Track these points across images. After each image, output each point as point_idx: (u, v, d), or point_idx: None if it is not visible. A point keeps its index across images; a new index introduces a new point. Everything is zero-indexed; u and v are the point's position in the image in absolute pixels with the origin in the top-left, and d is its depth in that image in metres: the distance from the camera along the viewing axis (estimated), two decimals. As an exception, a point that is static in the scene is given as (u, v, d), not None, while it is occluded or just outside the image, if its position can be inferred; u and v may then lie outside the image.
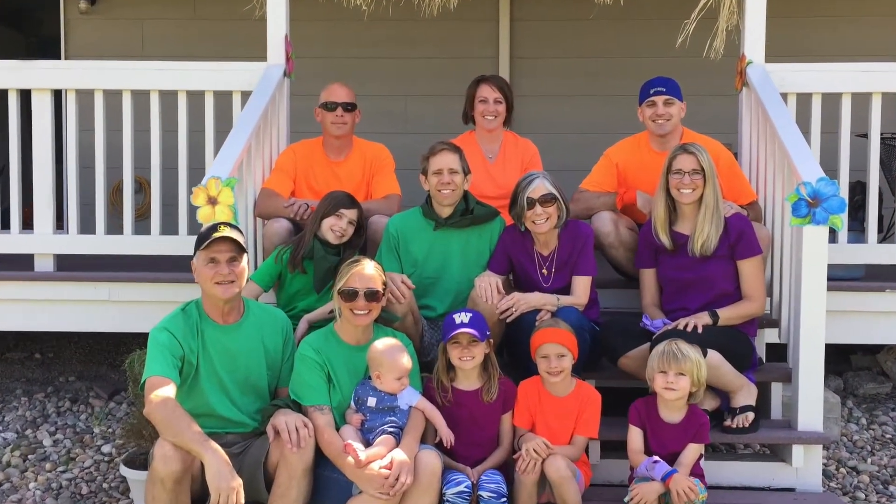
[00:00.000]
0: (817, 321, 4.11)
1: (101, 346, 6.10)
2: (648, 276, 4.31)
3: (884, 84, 4.91)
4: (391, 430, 3.66)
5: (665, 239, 4.20)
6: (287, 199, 4.60)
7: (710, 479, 3.89)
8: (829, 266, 4.15)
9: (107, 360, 5.94)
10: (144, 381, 3.48)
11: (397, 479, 3.46)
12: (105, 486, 4.43)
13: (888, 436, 4.96)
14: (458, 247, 4.35)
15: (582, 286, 4.18)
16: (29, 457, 4.71)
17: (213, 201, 4.13)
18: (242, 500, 3.28)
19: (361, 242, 4.33)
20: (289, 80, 5.11)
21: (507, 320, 4.05)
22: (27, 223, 5.18)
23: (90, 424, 5.07)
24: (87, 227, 5.12)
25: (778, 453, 4.32)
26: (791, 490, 4.14)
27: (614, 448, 4.07)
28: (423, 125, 6.89)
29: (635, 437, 3.79)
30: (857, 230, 5.15)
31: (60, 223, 5.21)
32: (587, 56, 7.03)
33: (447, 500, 3.59)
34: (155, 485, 3.34)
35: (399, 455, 3.53)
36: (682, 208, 4.18)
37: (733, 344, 4.06)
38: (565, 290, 4.20)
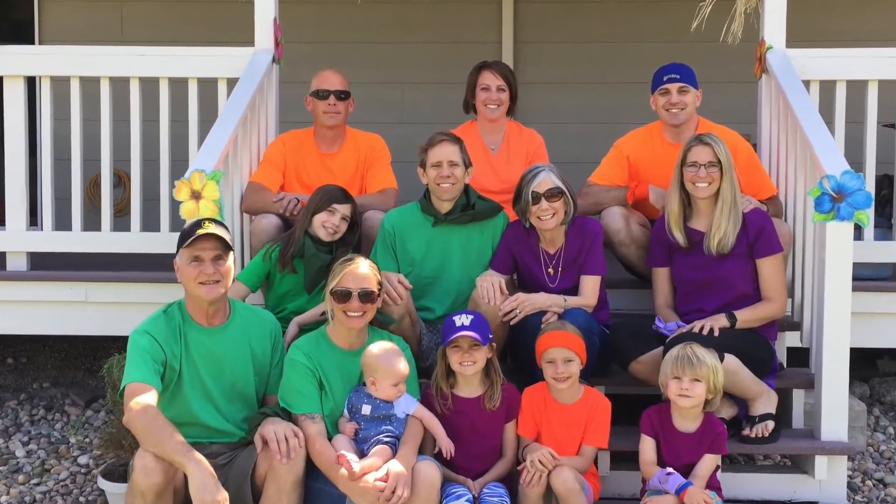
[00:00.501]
0: (841, 324, 4.11)
1: (77, 351, 6.10)
2: (661, 276, 4.31)
3: (913, 71, 4.92)
4: (387, 439, 3.66)
5: (679, 236, 4.20)
6: (276, 194, 4.60)
7: (727, 493, 3.88)
8: (855, 265, 4.15)
9: (84, 365, 5.94)
10: (124, 388, 3.48)
11: (393, 493, 3.46)
12: (82, 499, 4.43)
13: (917, 446, 4.96)
14: (459, 244, 4.35)
15: (590, 286, 4.18)
16: (0, 468, 4.71)
17: (196, 196, 4.13)
18: (228, 515, 3.28)
19: (355, 240, 4.33)
20: (278, 67, 5.11)
21: (511, 323, 4.06)
22: (-2, 219, 5.18)
23: (66, 434, 5.07)
24: (62, 223, 5.12)
25: (800, 465, 4.32)
26: (814, 504, 4.15)
27: (625, 459, 4.08)
28: (420, 114, 6.89)
29: (647, 447, 3.79)
30: (884, 227, 5.15)
31: (34, 219, 5.21)
32: (596, 41, 7.03)
33: (447, 515, 3.60)
34: (135, 498, 3.34)
35: (395, 466, 3.53)
36: (698, 203, 4.19)
37: (752, 348, 4.06)
38: (573, 290, 4.20)
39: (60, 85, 5.09)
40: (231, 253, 3.66)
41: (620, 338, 4.14)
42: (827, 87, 4.90)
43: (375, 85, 6.82)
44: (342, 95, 4.78)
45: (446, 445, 3.72)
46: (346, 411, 3.75)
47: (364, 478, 3.50)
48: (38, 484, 4.56)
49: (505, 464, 3.83)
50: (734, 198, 4.12)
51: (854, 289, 4.14)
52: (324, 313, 3.90)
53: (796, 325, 4.54)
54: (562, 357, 3.75)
